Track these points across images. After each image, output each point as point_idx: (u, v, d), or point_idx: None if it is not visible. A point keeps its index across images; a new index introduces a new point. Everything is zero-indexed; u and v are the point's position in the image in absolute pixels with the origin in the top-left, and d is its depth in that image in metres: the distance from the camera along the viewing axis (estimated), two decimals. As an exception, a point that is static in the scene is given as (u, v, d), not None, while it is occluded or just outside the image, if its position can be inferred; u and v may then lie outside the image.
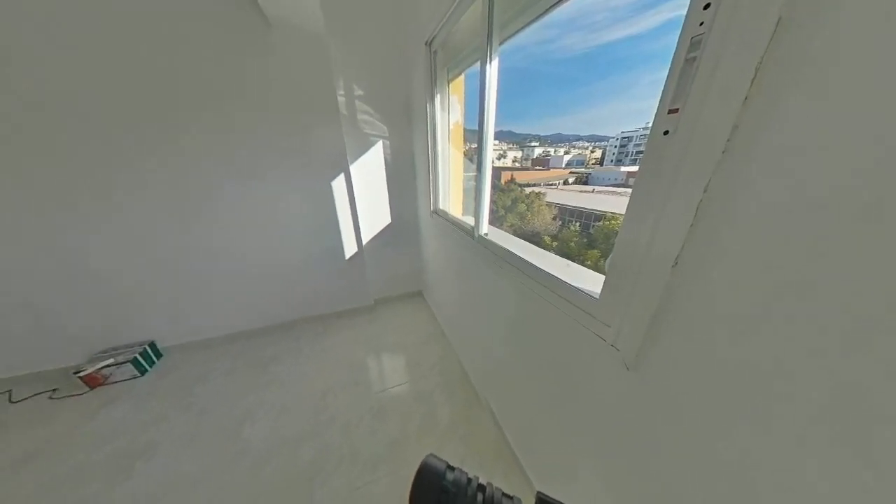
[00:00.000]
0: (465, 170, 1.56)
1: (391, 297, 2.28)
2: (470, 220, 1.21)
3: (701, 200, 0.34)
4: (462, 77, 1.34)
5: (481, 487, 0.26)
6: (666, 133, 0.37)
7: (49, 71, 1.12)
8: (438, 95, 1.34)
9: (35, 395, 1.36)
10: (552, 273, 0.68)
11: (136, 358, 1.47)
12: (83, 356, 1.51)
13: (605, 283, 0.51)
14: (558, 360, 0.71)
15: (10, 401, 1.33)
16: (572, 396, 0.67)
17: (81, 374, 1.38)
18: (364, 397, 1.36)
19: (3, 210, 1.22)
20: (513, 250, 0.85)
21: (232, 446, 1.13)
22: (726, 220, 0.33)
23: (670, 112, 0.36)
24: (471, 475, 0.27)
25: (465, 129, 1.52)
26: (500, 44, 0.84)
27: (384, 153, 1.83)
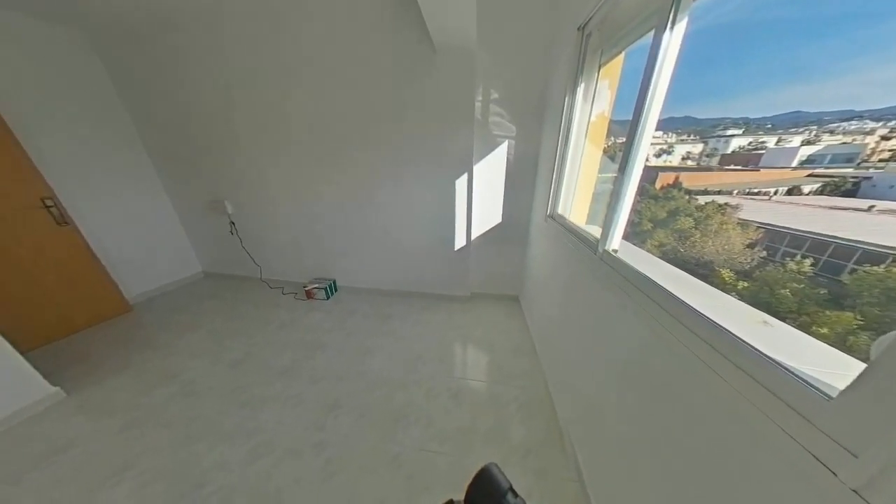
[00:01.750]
0: (602, 170, 1.30)
1: (487, 294, 2.32)
2: (595, 231, 1.01)
3: None
4: (620, 57, 1.10)
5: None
6: None
7: (316, 109, 1.89)
8: (583, 84, 1.17)
9: (290, 293, 2.45)
10: (728, 328, 0.45)
11: (325, 288, 2.32)
12: (308, 278, 2.53)
13: (862, 376, 0.28)
14: (715, 456, 0.47)
15: (282, 293, 2.46)
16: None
17: (306, 288, 2.34)
18: (446, 375, 1.49)
19: (287, 187, 2.22)
20: (655, 279, 0.63)
21: (358, 367, 1.57)
22: None
23: None
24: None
25: (610, 121, 1.26)
26: (697, -3, 0.61)
27: (507, 153, 1.84)
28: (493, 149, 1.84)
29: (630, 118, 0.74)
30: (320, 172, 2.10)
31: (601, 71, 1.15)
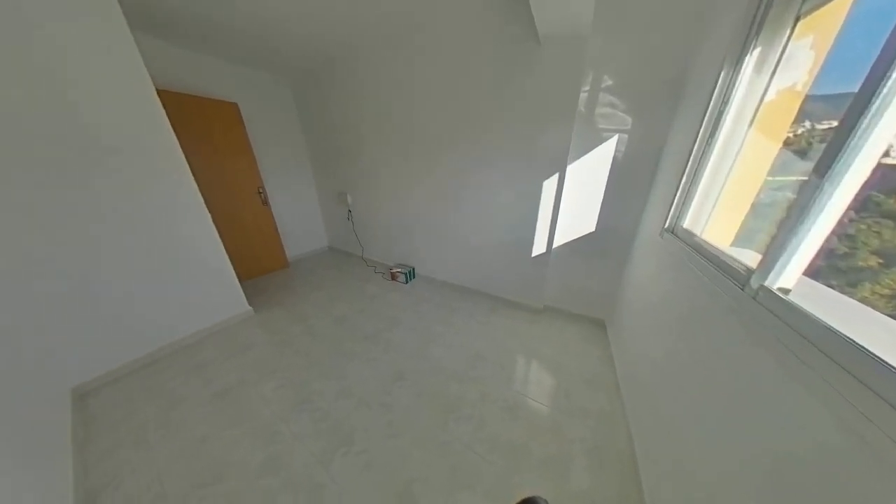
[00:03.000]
0: (777, 171, 0.89)
1: (563, 310, 2.06)
2: (747, 257, 0.72)
3: None
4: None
5: None
6: None
7: (421, 116, 2.13)
8: (758, 49, 0.84)
9: (379, 273, 2.94)
10: None
11: (405, 273, 2.65)
12: (393, 262, 2.96)
13: None
14: None
15: (374, 272, 2.98)
16: None
17: (391, 270, 2.74)
18: (503, 385, 1.43)
19: (389, 184, 2.60)
20: (875, 350, 0.39)
21: (422, 351, 1.71)
22: None
23: None
24: None
25: (807, 97, 0.84)
26: None
27: (615, 150, 1.54)
28: (595, 146, 1.58)
29: (854, 90, 0.47)
30: (416, 171, 2.37)
31: (798, 25, 0.78)
